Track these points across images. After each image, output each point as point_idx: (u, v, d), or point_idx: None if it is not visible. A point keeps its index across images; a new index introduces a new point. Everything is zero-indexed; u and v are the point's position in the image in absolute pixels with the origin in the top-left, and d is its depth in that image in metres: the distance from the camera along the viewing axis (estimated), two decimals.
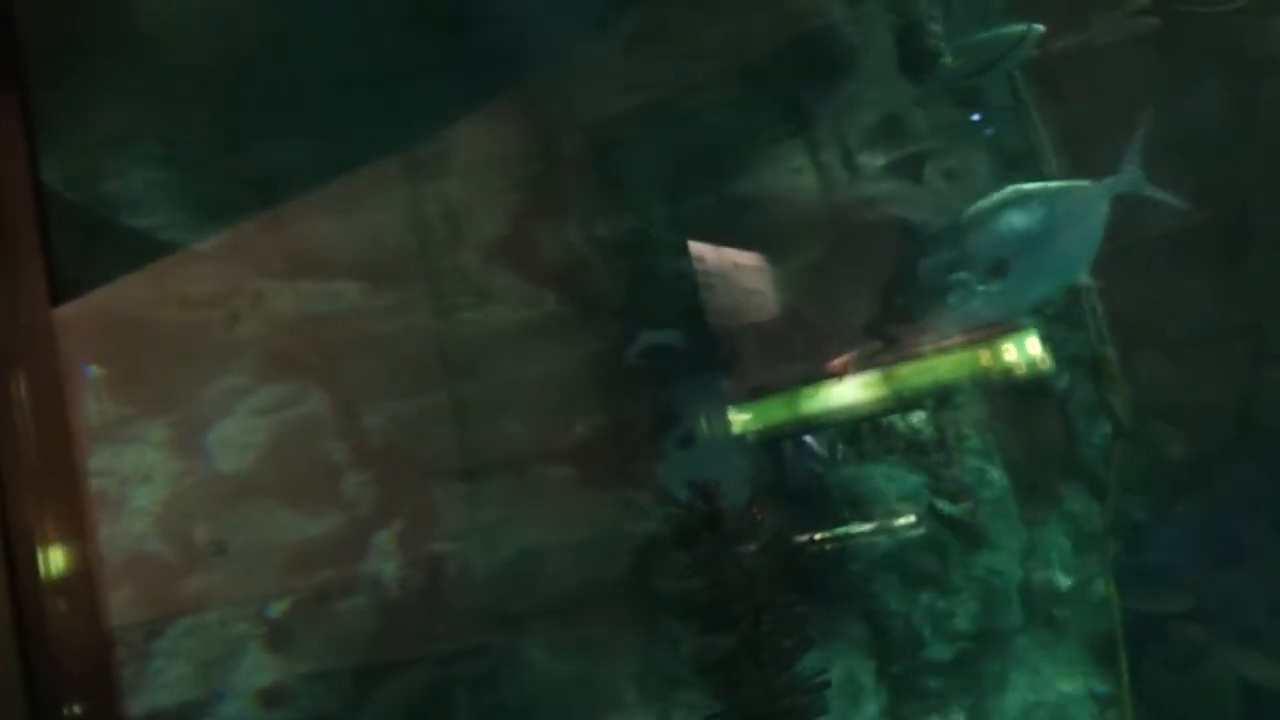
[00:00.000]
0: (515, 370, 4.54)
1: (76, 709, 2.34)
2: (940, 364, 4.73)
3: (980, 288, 3.65)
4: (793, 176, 4.94)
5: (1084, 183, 3.98)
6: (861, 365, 4.69)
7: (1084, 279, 3.95)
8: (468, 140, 4.51)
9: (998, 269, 3.68)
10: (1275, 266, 4.87)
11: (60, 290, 2.54)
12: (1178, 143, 4.93)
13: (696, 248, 4.78)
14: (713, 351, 4.77)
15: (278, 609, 4.06)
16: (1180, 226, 4.81)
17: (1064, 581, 4.87)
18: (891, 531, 4.63)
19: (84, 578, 2.45)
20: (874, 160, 4.90)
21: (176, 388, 4.07)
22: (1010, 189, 3.84)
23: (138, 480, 3.91)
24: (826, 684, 3.35)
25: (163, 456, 3.97)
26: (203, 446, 4.09)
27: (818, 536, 4.68)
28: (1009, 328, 4.66)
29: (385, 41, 3.97)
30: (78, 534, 2.45)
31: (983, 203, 3.83)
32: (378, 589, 4.22)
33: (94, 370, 3.86)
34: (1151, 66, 4.94)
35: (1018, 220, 3.72)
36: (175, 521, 3.95)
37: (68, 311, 2.58)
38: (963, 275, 3.65)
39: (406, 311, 4.47)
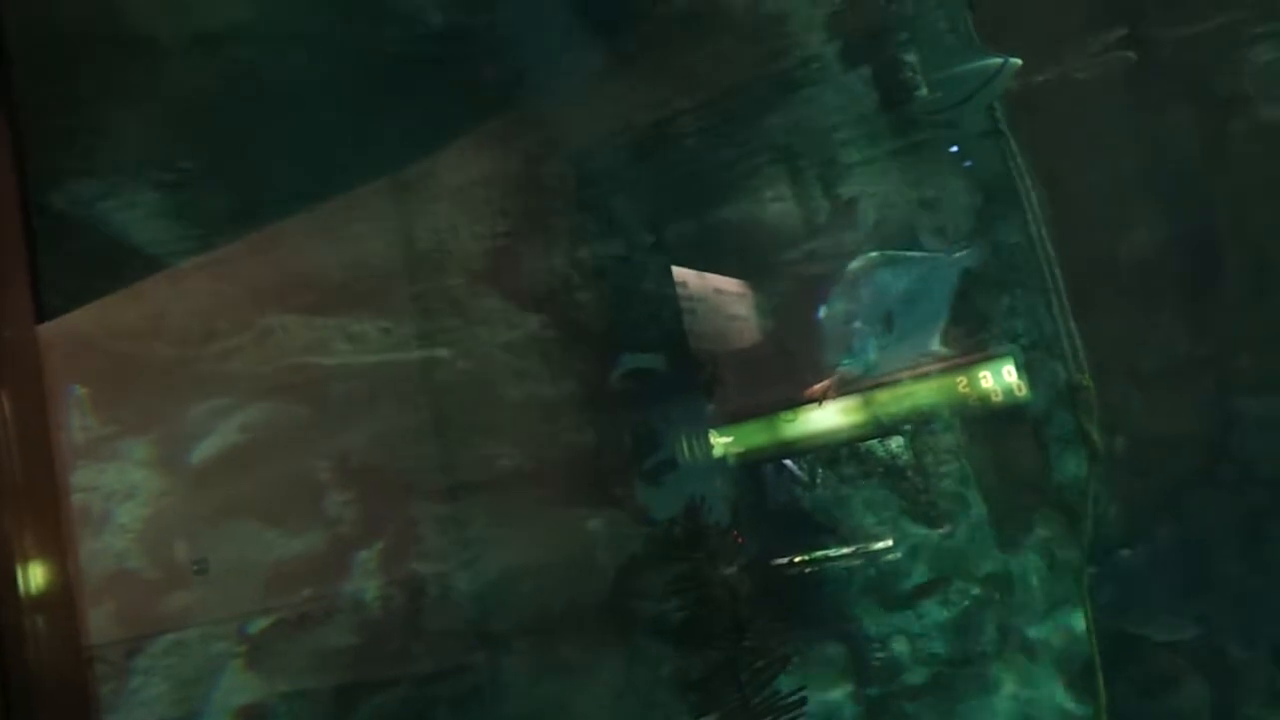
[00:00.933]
0: (499, 392, 4.57)
1: None
2: (918, 390, 4.79)
3: (875, 340, 3.87)
4: (774, 205, 5.00)
5: (937, 255, 4.23)
6: (841, 390, 4.74)
7: (937, 347, 4.19)
8: (455, 165, 4.56)
9: (888, 322, 3.90)
10: (1245, 299, 4.94)
11: (47, 307, 2.56)
12: (1151, 175, 5.03)
13: (679, 273, 4.85)
14: (694, 375, 4.82)
15: (259, 627, 4.06)
16: (1152, 258, 4.91)
17: (1039, 606, 4.90)
18: (869, 555, 4.67)
19: (63, 594, 2.45)
20: (851, 190, 4.97)
21: (161, 406, 4.08)
22: (874, 254, 4.06)
23: (121, 497, 3.92)
24: (804, 701, 3.40)
25: (146, 474, 3.98)
26: (186, 464, 4.11)
27: (797, 559, 4.71)
28: (986, 355, 4.74)
29: (377, 68, 4.02)
30: (58, 550, 2.45)
31: (856, 263, 4.06)
32: (359, 608, 4.23)
33: (79, 387, 3.88)
34: (1126, 100, 5.03)
35: (888, 281, 3.98)
36: (157, 539, 3.95)
37: (54, 328, 2.60)
38: (860, 326, 3.86)
39: (392, 332, 4.50)
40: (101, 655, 3.75)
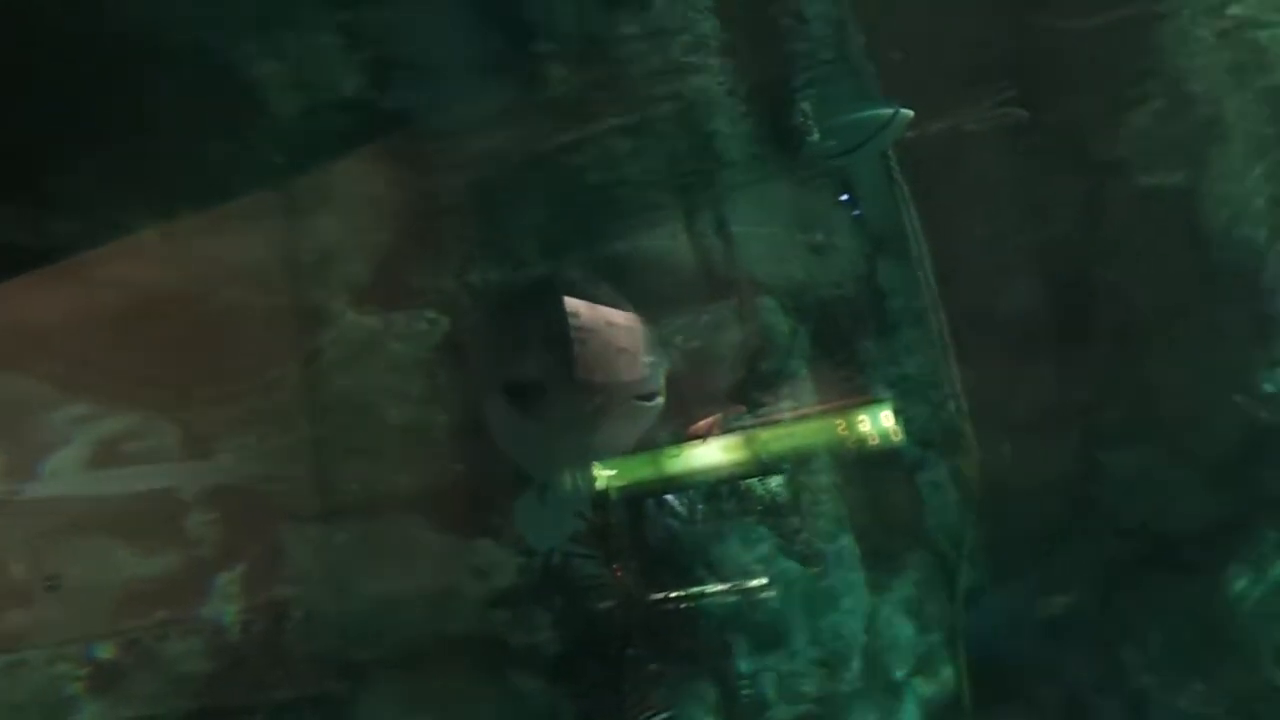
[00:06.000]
0: (380, 414, 4.49)
1: None
2: (799, 430, 4.85)
3: None
4: (667, 241, 5.04)
5: None
6: (724, 428, 4.79)
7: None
8: (345, 181, 4.49)
9: None
10: (1112, 354, 5.14)
11: None
12: (1033, 231, 5.23)
13: (570, 303, 4.81)
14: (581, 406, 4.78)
15: (107, 650, 3.90)
16: (1027, 309, 5.08)
17: (907, 647, 4.98)
18: (744, 592, 4.68)
19: None
20: (742, 229, 5.03)
21: (13, 411, 3.91)
22: None
23: None
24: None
25: None
26: (37, 475, 3.93)
27: (673, 594, 4.70)
28: (866, 399, 4.83)
29: None
30: None
31: None
32: (217, 632, 4.09)
33: None
34: (1012, 158, 5.22)
35: None
36: None
37: None
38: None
39: (270, 348, 4.39)
40: None
